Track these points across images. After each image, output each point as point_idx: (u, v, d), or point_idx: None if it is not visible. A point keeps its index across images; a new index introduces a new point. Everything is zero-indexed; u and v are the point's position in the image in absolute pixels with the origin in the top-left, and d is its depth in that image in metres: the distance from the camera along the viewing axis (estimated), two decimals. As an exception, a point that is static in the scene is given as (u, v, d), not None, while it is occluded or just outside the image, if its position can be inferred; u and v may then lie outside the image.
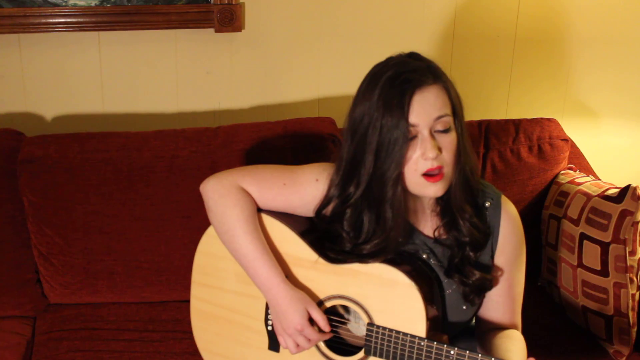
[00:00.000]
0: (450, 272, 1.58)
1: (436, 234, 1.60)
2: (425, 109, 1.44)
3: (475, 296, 1.60)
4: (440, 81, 1.47)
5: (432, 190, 1.48)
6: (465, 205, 1.55)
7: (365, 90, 1.49)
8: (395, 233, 1.52)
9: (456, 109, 1.50)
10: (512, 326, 1.65)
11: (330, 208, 1.58)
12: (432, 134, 1.45)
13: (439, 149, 1.46)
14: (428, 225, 1.61)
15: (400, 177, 1.47)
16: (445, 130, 1.47)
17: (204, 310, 1.76)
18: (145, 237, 2.13)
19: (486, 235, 1.59)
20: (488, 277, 1.59)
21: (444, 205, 1.57)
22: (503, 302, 1.64)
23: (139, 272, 2.15)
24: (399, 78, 1.45)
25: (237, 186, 1.62)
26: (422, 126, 1.44)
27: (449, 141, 1.47)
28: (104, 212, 2.11)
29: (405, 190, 1.50)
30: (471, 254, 1.57)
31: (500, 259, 1.62)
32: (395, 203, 1.49)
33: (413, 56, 1.52)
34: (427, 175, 1.47)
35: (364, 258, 1.55)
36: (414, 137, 1.45)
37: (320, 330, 1.60)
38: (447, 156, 1.47)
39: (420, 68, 1.47)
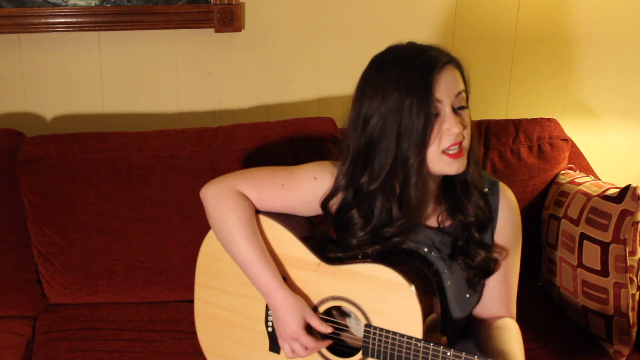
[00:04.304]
0: (454, 255, 1.59)
1: (439, 219, 1.60)
2: (448, 85, 1.46)
3: (480, 279, 1.61)
4: (453, 60, 1.50)
5: (455, 166, 1.50)
6: (476, 182, 1.57)
7: (375, 78, 1.49)
8: (419, 213, 1.54)
9: (467, 86, 1.53)
10: (507, 313, 1.66)
11: (337, 199, 1.59)
12: (453, 109, 1.48)
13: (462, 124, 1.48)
14: (431, 215, 1.62)
15: (424, 160, 1.48)
16: (462, 107, 1.50)
17: (207, 311, 1.76)
18: (145, 237, 2.13)
19: (489, 217, 1.60)
20: (492, 258, 1.60)
21: (449, 191, 1.57)
22: (499, 287, 1.65)
23: (139, 272, 2.15)
24: (418, 58, 1.46)
25: (235, 190, 1.62)
26: (446, 102, 1.46)
27: (467, 117, 1.51)
28: (104, 212, 2.11)
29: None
30: (476, 234, 1.58)
31: (498, 244, 1.63)
32: (420, 186, 1.50)
33: (415, 43, 1.54)
34: (449, 153, 1.48)
35: (385, 240, 1.55)
36: (437, 114, 1.47)
37: (321, 337, 1.61)
38: (466, 132, 1.50)
39: (434, 49, 1.50)
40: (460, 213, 1.58)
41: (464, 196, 1.56)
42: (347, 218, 1.58)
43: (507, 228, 1.63)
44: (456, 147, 1.48)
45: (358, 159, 1.53)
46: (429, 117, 1.45)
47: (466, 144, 1.51)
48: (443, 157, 1.48)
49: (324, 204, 1.61)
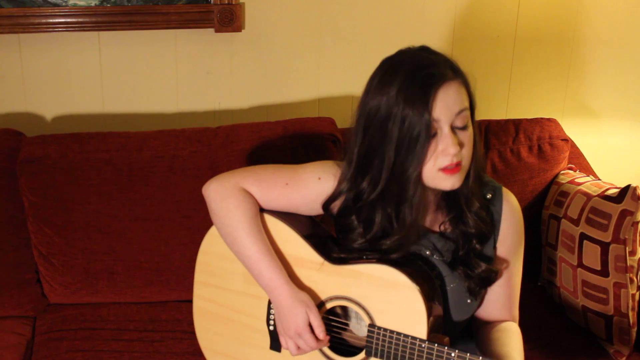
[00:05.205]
0: (454, 265, 1.58)
1: (441, 228, 1.60)
2: (447, 104, 1.43)
3: (481, 288, 1.60)
4: (459, 76, 1.47)
5: (449, 182, 1.47)
6: (473, 200, 1.55)
7: (380, 83, 1.47)
8: (415, 230, 1.52)
9: (472, 103, 1.50)
10: (510, 317, 1.66)
11: (339, 202, 1.58)
12: (452, 129, 1.45)
13: (459, 144, 1.45)
14: (432, 220, 1.61)
15: (420, 175, 1.46)
16: (464, 127, 1.46)
17: (206, 309, 1.76)
18: (145, 237, 2.13)
19: (491, 227, 1.59)
20: (494, 269, 1.59)
21: (450, 200, 1.56)
22: (503, 292, 1.64)
23: (139, 272, 2.15)
24: (420, 72, 1.43)
25: (239, 187, 1.61)
26: (444, 122, 1.43)
27: (467, 136, 1.47)
28: (104, 212, 2.11)
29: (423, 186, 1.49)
30: (477, 246, 1.57)
31: (501, 250, 1.62)
32: (416, 201, 1.48)
33: (426, 50, 1.50)
34: (445, 169, 1.46)
35: (383, 254, 1.54)
36: (434, 133, 1.44)
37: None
38: (465, 152, 1.47)
39: (440, 62, 1.45)
40: (461, 223, 1.57)
41: (466, 207, 1.55)
42: (347, 223, 1.58)
43: (510, 234, 1.62)
44: (453, 166, 1.46)
45: (360, 164, 1.52)
46: (425, 135, 1.42)
47: (465, 162, 1.48)
48: (439, 173, 1.46)
49: (326, 205, 1.60)
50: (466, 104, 1.46)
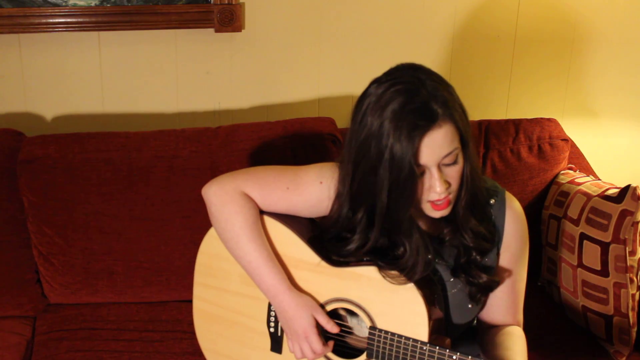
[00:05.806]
0: (456, 272, 1.58)
1: (441, 236, 1.59)
2: (434, 150, 1.40)
3: (482, 295, 1.60)
4: (447, 115, 1.40)
5: (438, 214, 1.49)
6: (469, 218, 1.54)
7: (369, 119, 1.42)
8: (420, 263, 1.51)
9: (464, 136, 1.45)
10: (514, 321, 1.66)
11: (336, 227, 1.58)
12: (440, 167, 1.43)
13: (447, 182, 1.45)
14: (433, 226, 1.60)
15: (411, 210, 1.46)
16: (453, 163, 1.44)
17: (206, 310, 1.76)
18: (145, 237, 2.13)
19: (491, 240, 1.58)
20: (495, 280, 1.59)
21: (448, 216, 1.55)
22: (507, 298, 1.64)
23: (139, 272, 2.15)
24: (405, 119, 1.38)
25: (240, 192, 1.60)
26: (431, 164, 1.42)
27: (456, 171, 1.45)
28: (104, 212, 2.11)
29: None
30: (478, 257, 1.56)
31: (504, 256, 1.62)
32: (414, 241, 1.49)
33: (417, 75, 1.43)
34: (434, 203, 1.47)
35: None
36: (423, 172, 1.43)
37: (327, 340, 1.60)
38: (454, 185, 1.47)
39: (426, 104, 1.39)
40: (460, 235, 1.56)
41: (460, 226, 1.54)
42: (343, 242, 1.58)
43: (514, 241, 1.62)
44: (442, 200, 1.46)
45: (351, 203, 1.52)
46: (413, 179, 1.41)
47: (454, 195, 1.48)
48: (427, 204, 1.47)
49: (325, 226, 1.60)
50: (455, 143, 1.43)
